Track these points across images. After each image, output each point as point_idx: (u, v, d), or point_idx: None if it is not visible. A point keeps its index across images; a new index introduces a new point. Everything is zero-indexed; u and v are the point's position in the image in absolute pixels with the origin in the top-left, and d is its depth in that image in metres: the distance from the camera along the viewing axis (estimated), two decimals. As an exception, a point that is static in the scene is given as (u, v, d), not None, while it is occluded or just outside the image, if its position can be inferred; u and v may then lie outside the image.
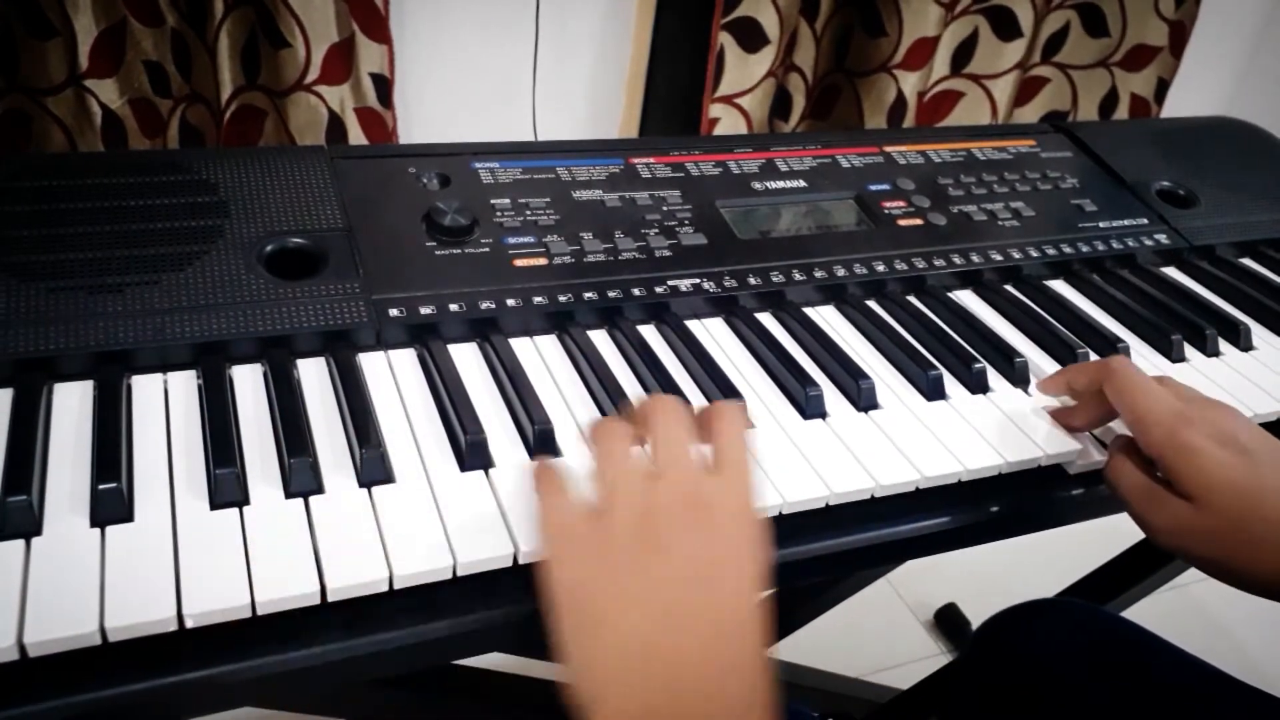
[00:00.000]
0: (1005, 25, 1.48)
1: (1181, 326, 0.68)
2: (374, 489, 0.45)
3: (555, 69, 1.39)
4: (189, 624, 0.38)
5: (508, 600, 0.43)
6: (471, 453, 0.48)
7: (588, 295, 0.59)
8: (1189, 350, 0.67)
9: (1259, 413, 0.61)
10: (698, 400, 0.55)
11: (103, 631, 0.37)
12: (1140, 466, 0.51)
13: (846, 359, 0.59)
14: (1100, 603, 0.91)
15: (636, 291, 0.60)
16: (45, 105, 1.10)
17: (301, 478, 0.45)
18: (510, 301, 0.57)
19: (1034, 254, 0.72)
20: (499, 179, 0.65)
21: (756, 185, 0.71)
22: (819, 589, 1.04)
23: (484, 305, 0.57)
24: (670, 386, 0.54)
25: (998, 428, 0.56)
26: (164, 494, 0.43)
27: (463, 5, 1.30)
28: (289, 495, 0.44)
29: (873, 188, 0.74)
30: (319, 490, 0.45)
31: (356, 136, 1.23)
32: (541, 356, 0.57)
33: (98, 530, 0.41)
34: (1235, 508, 0.47)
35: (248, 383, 0.51)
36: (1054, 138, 0.85)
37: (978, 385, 0.59)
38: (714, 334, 0.61)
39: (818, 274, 0.65)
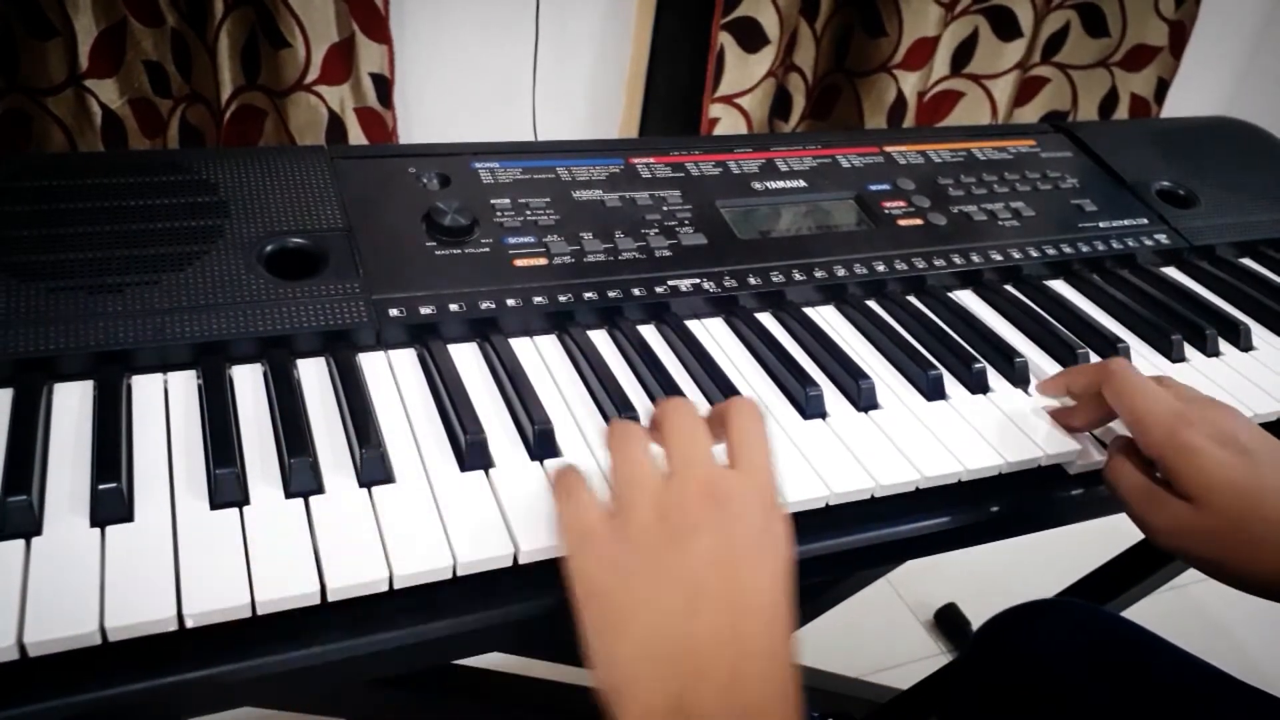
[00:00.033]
0: (1005, 25, 1.48)
1: (1181, 326, 0.68)
2: (374, 489, 0.45)
3: (555, 69, 1.39)
4: (189, 624, 0.38)
5: (508, 600, 0.43)
6: (471, 453, 0.48)
7: (588, 295, 0.59)
8: (1189, 350, 0.67)
9: (1259, 413, 0.61)
10: (698, 400, 0.55)
11: (103, 631, 0.37)
12: (1139, 467, 0.51)
13: (846, 359, 0.59)
14: (1100, 603, 0.91)
15: (636, 291, 0.60)
16: (45, 105, 1.10)
17: (301, 478, 0.45)
18: (510, 301, 0.57)
19: (1034, 254, 0.72)
20: (499, 179, 0.65)
21: (756, 185, 0.71)
22: (819, 589, 1.04)
23: (484, 305, 0.57)
24: (670, 386, 0.54)
25: (998, 428, 0.56)
26: (164, 494, 0.43)
27: (463, 5, 1.30)
28: (289, 495, 0.44)
29: (873, 188, 0.74)
30: (319, 490, 0.45)
31: (356, 136, 1.23)
32: (541, 356, 0.57)
33: (98, 530, 0.41)
34: (1235, 508, 0.47)
35: (248, 383, 0.51)
36: (1054, 138, 0.85)
37: (978, 385, 0.59)
38: (714, 334, 0.61)
39: (818, 274, 0.65)
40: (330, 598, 0.40)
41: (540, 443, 0.49)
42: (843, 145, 0.78)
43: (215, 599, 0.39)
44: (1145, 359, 0.66)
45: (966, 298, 0.70)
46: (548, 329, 0.59)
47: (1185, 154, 0.86)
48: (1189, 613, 1.46)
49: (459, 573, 0.43)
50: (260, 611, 0.39)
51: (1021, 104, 1.62)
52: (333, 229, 0.58)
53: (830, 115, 1.52)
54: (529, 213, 0.63)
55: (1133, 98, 1.60)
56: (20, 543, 0.40)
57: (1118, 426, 0.55)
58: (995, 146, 0.82)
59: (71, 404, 0.48)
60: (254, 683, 0.39)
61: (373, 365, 0.53)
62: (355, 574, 0.41)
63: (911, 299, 0.67)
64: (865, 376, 0.57)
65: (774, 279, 0.64)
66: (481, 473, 0.47)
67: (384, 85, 1.23)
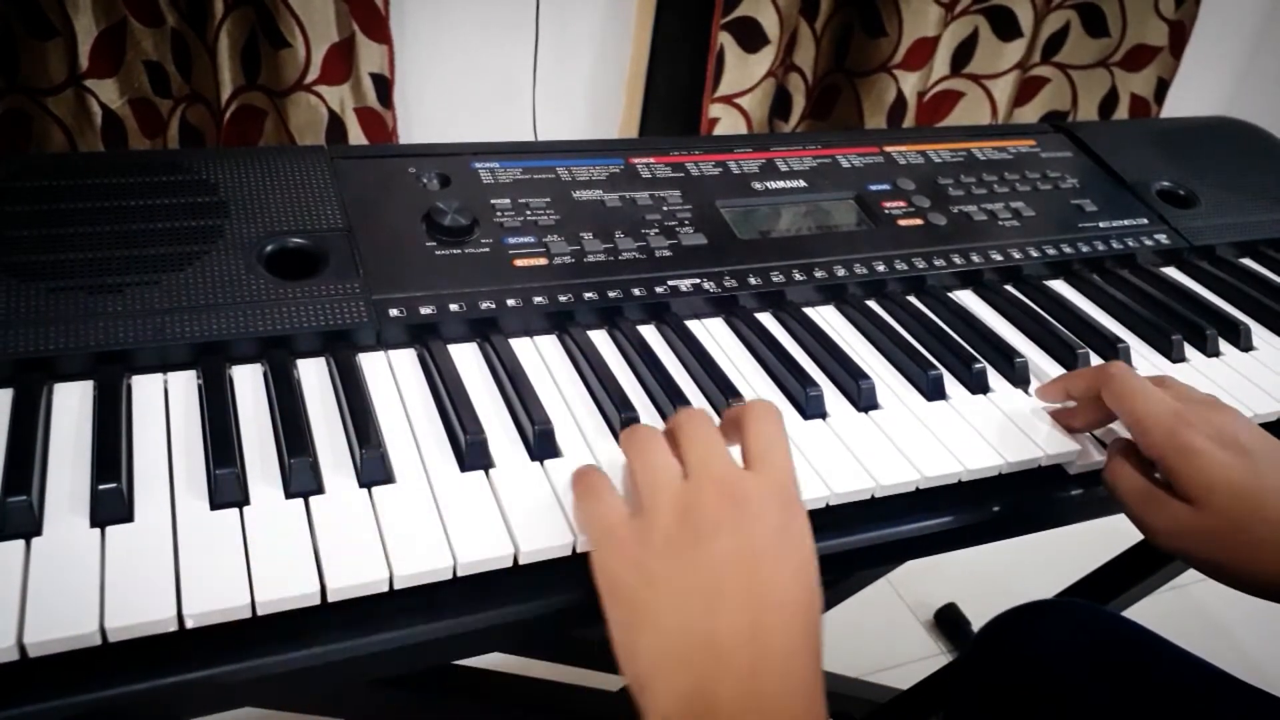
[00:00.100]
0: (1005, 25, 1.48)
1: (1181, 326, 0.68)
2: (374, 489, 0.45)
3: (555, 69, 1.39)
4: (189, 624, 0.38)
5: (508, 600, 0.43)
6: (471, 453, 0.48)
7: (588, 295, 0.59)
8: (1189, 350, 0.67)
9: (1259, 413, 0.61)
10: (698, 400, 0.55)
11: (103, 631, 0.37)
12: (1139, 468, 0.51)
13: (846, 359, 0.59)
14: (1100, 603, 0.91)
15: (636, 291, 0.60)
16: (45, 105, 1.10)
17: (301, 478, 0.45)
18: (510, 301, 0.57)
19: (1034, 254, 0.72)
20: (499, 179, 0.65)
21: (756, 185, 0.71)
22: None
23: (484, 305, 0.57)
24: (670, 386, 0.54)
25: (998, 428, 0.56)
26: (164, 494, 0.43)
27: (463, 5, 1.30)
28: (289, 495, 0.44)
29: (873, 188, 0.74)
30: (319, 490, 0.45)
31: (356, 136, 1.23)
32: (541, 356, 0.57)
33: (98, 530, 0.41)
34: (1235, 509, 0.46)
35: (248, 383, 0.51)
36: (1054, 138, 0.85)
37: (978, 385, 0.59)
38: (714, 334, 0.61)
39: (818, 274, 0.65)
40: (330, 598, 0.40)
41: (540, 443, 0.49)
42: (843, 145, 0.78)
43: (215, 599, 0.39)
44: (1145, 359, 0.66)
45: (966, 298, 0.70)
46: (548, 329, 0.59)
47: (1185, 154, 0.86)
48: (1189, 613, 1.46)
49: (459, 573, 0.43)
50: (260, 612, 0.39)
51: (1021, 104, 1.62)
52: (333, 229, 0.58)
53: (830, 115, 1.52)
54: (529, 213, 0.63)
55: (1133, 98, 1.60)
56: (20, 543, 0.40)
57: (1118, 427, 0.55)
58: (995, 146, 0.82)
59: (71, 404, 0.48)
60: (254, 683, 0.39)
61: (373, 365, 0.53)
62: (355, 574, 0.41)
63: (911, 299, 0.67)
64: (865, 376, 0.57)
65: (774, 279, 0.64)
66: (481, 473, 0.47)
67: (384, 85, 1.23)
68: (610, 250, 0.62)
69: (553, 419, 0.50)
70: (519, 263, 0.60)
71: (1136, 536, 0.52)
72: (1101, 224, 0.76)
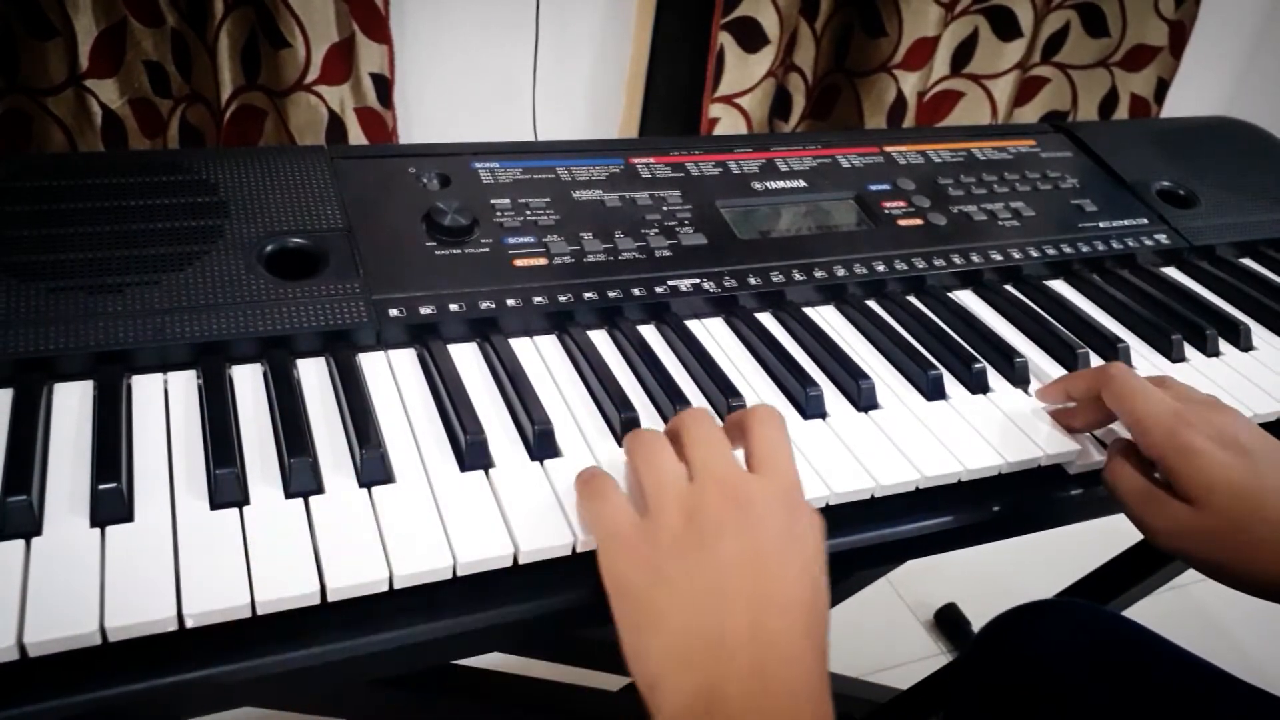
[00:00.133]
0: (1005, 25, 1.48)
1: (1181, 326, 0.68)
2: (374, 489, 0.45)
3: (555, 69, 1.39)
4: (189, 624, 0.38)
5: (508, 600, 0.43)
6: (471, 453, 0.48)
7: (588, 295, 0.59)
8: (1189, 350, 0.67)
9: (1259, 413, 0.61)
10: (698, 400, 0.55)
11: (103, 631, 0.37)
12: (1139, 468, 0.51)
13: (846, 359, 0.59)
14: (1100, 603, 0.91)
15: (636, 291, 0.60)
16: (45, 105, 1.10)
17: (301, 478, 0.45)
18: (510, 301, 0.57)
19: (1034, 254, 0.72)
20: (499, 179, 0.65)
21: (756, 185, 0.71)
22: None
23: (484, 305, 0.57)
24: (670, 386, 0.54)
25: (998, 428, 0.56)
26: (164, 494, 0.43)
27: (463, 5, 1.30)
28: (289, 495, 0.44)
29: (873, 188, 0.74)
30: (319, 490, 0.45)
31: (356, 136, 1.23)
32: (541, 356, 0.57)
33: (98, 530, 0.41)
34: (1235, 509, 0.46)
35: (248, 383, 0.51)
36: (1054, 138, 0.85)
37: (978, 385, 0.59)
38: (714, 334, 0.61)
39: (818, 274, 0.65)
40: (330, 598, 0.40)
41: (540, 443, 0.49)
42: (843, 145, 0.78)
43: (215, 599, 0.39)
44: (1145, 359, 0.66)
45: (966, 298, 0.70)
46: (548, 329, 0.59)
47: (1185, 154, 0.86)
48: (1189, 613, 1.46)
49: (459, 573, 0.43)
50: (260, 611, 0.39)
51: (1021, 104, 1.62)
52: (333, 229, 0.58)
53: (830, 115, 1.52)
54: (529, 213, 0.63)
55: (1133, 98, 1.60)
56: (20, 543, 0.40)
57: (1118, 428, 0.55)
58: (995, 146, 0.82)
59: (71, 404, 0.48)
60: (254, 683, 0.39)
61: (373, 365, 0.53)
62: (355, 574, 0.41)
63: (911, 299, 0.67)
64: (865, 376, 0.57)
65: (774, 279, 0.64)
66: (481, 473, 0.47)
67: (384, 85, 1.23)
68: (610, 250, 0.62)
69: (553, 419, 0.50)
70: (519, 263, 0.60)
71: (1136, 536, 0.52)
72: (1101, 224, 0.76)
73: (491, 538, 0.44)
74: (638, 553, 0.41)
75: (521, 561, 0.44)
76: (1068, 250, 0.73)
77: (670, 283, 0.61)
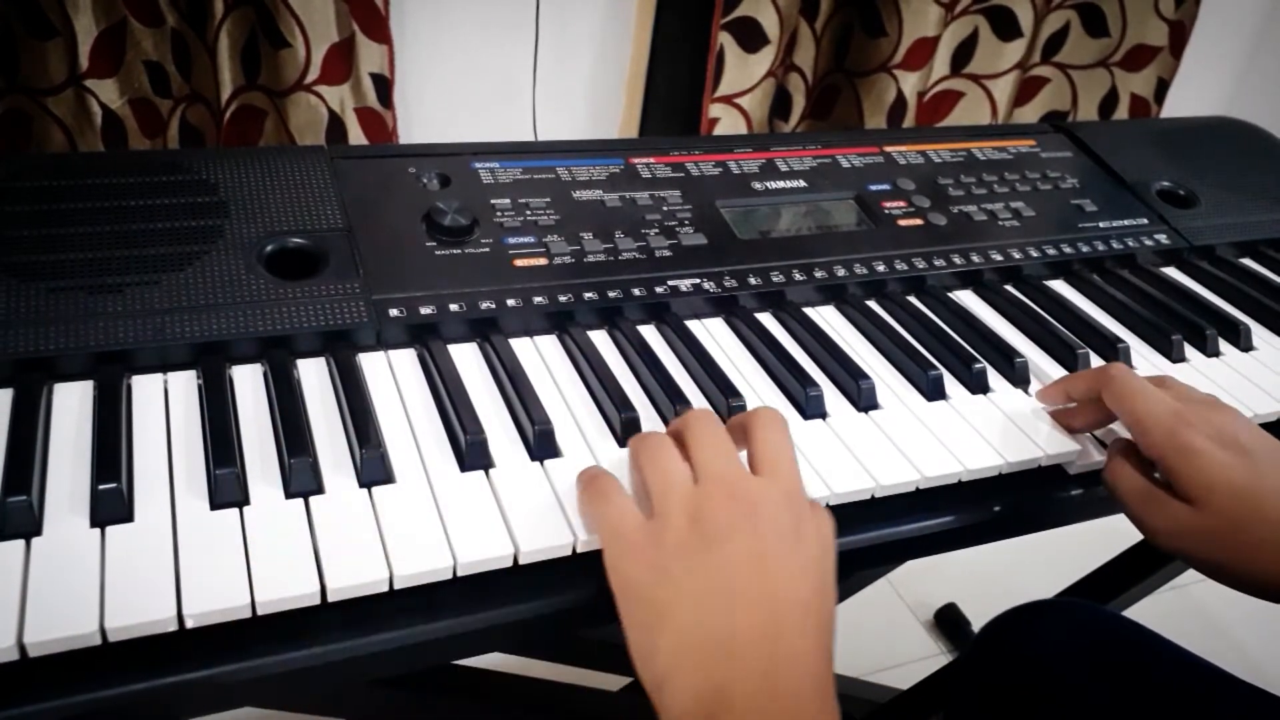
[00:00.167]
0: (1005, 25, 1.48)
1: (1181, 326, 0.68)
2: (374, 489, 0.45)
3: (555, 69, 1.39)
4: (189, 624, 0.38)
5: (508, 600, 0.43)
6: (471, 453, 0.48)
7: (588, 295, 0.59)
8: (1189, 350, 0.67)
9: (1259, 413, 0.61)
10: (698, 400, 0.55)
11: (103, 631, 0.37)
12: (1139, 468, 0.51)
13: (846, 359, 0.59)
14: (1100, 603, 0.91)
15: (636, 291, 0.60)
16: (45, 105, 1.10)
17: (301, 478, 0.45)
18: (510, 301, 0.57)
19: (1034, 254, 0.72)
20: (499, 179, 0.65)
21: (756, 185, 0.71)
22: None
23: (484, 305, 0.57)
24: (670, 386, 0.54)
25: (998, 428, 0.56)
26: (164, 494, 0.43)
27: (463, 5, 1.30)
28: (289, 495, 0.44)
29: (873, 188, 0.74)
30: (319, 490, 0.45)
31: (356, 136, 1.23)
32: (541, 356, 0.57)
33: (98, 530, 0.41)
34: (1235, 509, 0.46)
35: (248, 383, 0.51)
36: (1054, 138, 0.85)
37: (978, 385, 0.59)
38: (714, 334, 0.61)
39: (818, 274, 0.65)
40: (330, 598, 0.40)
41: (540, 443, 0.49)
42: (843, 145, 0.78)
43: (215, 599, 0.39)
44: (1145, 359, 0.66)
45: (966, 298, 0.70)
46: (548, 329, 0.59)
47: (1185, 154, 0.86)
48: (1189, 613, 1.46)
49: (459, 573, 0.43)
50: (260, 611, 0.39)
51: (1021, 104, 1.62)
52: (333, 229, 0.58)
53: (830, 115, 1.52)
54: (529, 213, 0.63)
55: (1133, 98, 1.60)
56: (20, 543, 0.40)
57: (1118, 428, 0.55)
58: (995, 146, 0.82)
59: (71, 404, 0.48)
60: (254, 683, 0.39)
61: (373, 365, 0.53)
62: (355, 574, 0.41)
63: (911, 299, 0.67)
64: (865, 376, 0.57)
65: (774, 279, 0.64)
66: (481, 473, 0.47)
67: (384, 85, 1.22)
68: (610, 250, 0.62)
69: (553, 419, 0.50)
70: (519, 263, 0.60)
71: (1136, 536, 0.52)
72: (1101, 224, 0.76)
73: (491, 538, 0.44)
74: (644, 553, 0.41)
75: (521, 562, 0.44)
76: (1068, 250, 0.73)
77: (670, 283, 0.61)
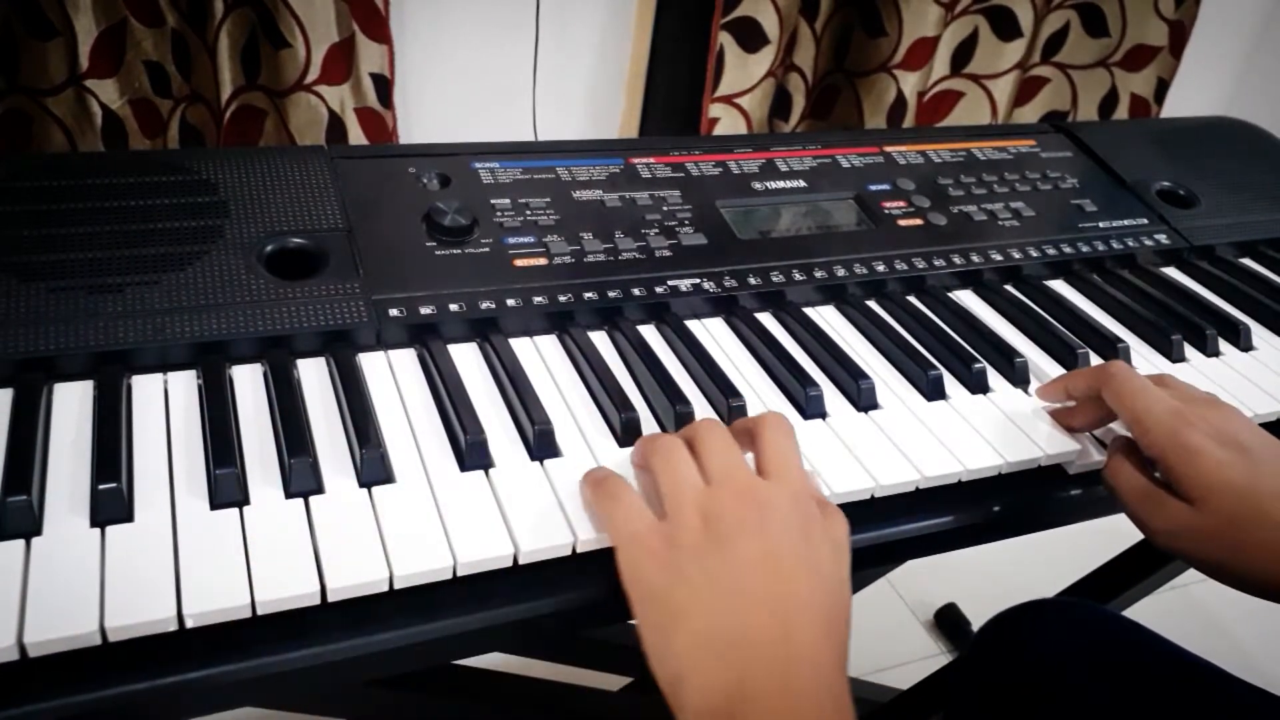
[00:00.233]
0: (1005, 25, 1.48)
1: (1181, 326, 0.68)
2: (374, 489, 0.45)
3: (555, 69, 1.39)
4: (189, 624, 0.38)
5: (508, 600, 0.43)
6: (471, 453, 0.48)
7: (588, 295, 0.59)
8: (1189, 350, 0.67)
9: (1259, 413, 0.61)
10: (697, 400, 0.55)
11: (103, 631, 0.37)
12: (1139, 468, 0.51)
13: (846, 359, 0.59)
14: (1100, 602, 0.91)
15: (636, 291, 0.60)
16: (45, 105, 1.10)
17: (301, 478, 0.45)
18: (510, 301, 0.57)
19: (1034, 254, 0.72)
20: (499, 179, 0.65)
21: (756, 185, 0.71)
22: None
23: (484, 305, 0.57)
24: (670, 387, 0.54)
25: (998, 428, 0.56)
26: (164, 494, 0.43)
27: (463, 5, 1.30)
28: (289, 495, 0.44)
29: (873, 188, 0.74)
30: (319, 490, 0.45)
31: (356, 136, 1.23)
32: (541, 356, 0.57)
33: (98, 530, 0.41)
34: (1235, 509, 0.46)
35: (248, 383, 0.51)
36: (1054, 138, 0.85)
37: (978, 385, 0.59)
38: (714, 334, 0.61)
39: (818, 274, 0.65)
40: (330, 598, 0.40)
41: (540, 443, 0.49)
42: (843, 145, 0.78)
43: (215, 599, 0.39)
44: (1145, 359, 0.66)
45: (966, 298, 0.70)
46: (548, 329, 0.59)
47: (1185, 154, 0.86)
48: (1189, 613, 1.46)
49: (459, 573, 0.43)
50: (260, 611, 0.39)
51: (1021, 104, 1.62)
52: (333, 229, 0.58)
53: (830, 115, 1.52)
54: (529, 213, 0.63)
55: (1133, 98, 1.60)
56: (20, 543, 0.40)
57: (1118, 427, 0.55)
58: (995, 146, 0.82)
59: (71, 404, 0.48)
60: (254, 683, 0.39)
61: (373, 365, 0.53)
62: (355, 574, 0.41)
63: (911, 299, 0.67)
64: (865, 376, 0.57)
65: (774, 279, 0.64)
66: (481, 473, 0.47)
67: (384, 85, 1.23)
68: (610, 250, 0.62)
69: (553, 419, 0.50)
70: (519, 263, 0.60)
71: (1136, 536, 0.52)
72: (1101, 224, 0.76)
73: (491, 538, 0.44)
74: (658, 554, 0.42)
75: (521, 562, 0.44)
76: (1068, 250, 0.73)
77: (670, 283, 0.61)
